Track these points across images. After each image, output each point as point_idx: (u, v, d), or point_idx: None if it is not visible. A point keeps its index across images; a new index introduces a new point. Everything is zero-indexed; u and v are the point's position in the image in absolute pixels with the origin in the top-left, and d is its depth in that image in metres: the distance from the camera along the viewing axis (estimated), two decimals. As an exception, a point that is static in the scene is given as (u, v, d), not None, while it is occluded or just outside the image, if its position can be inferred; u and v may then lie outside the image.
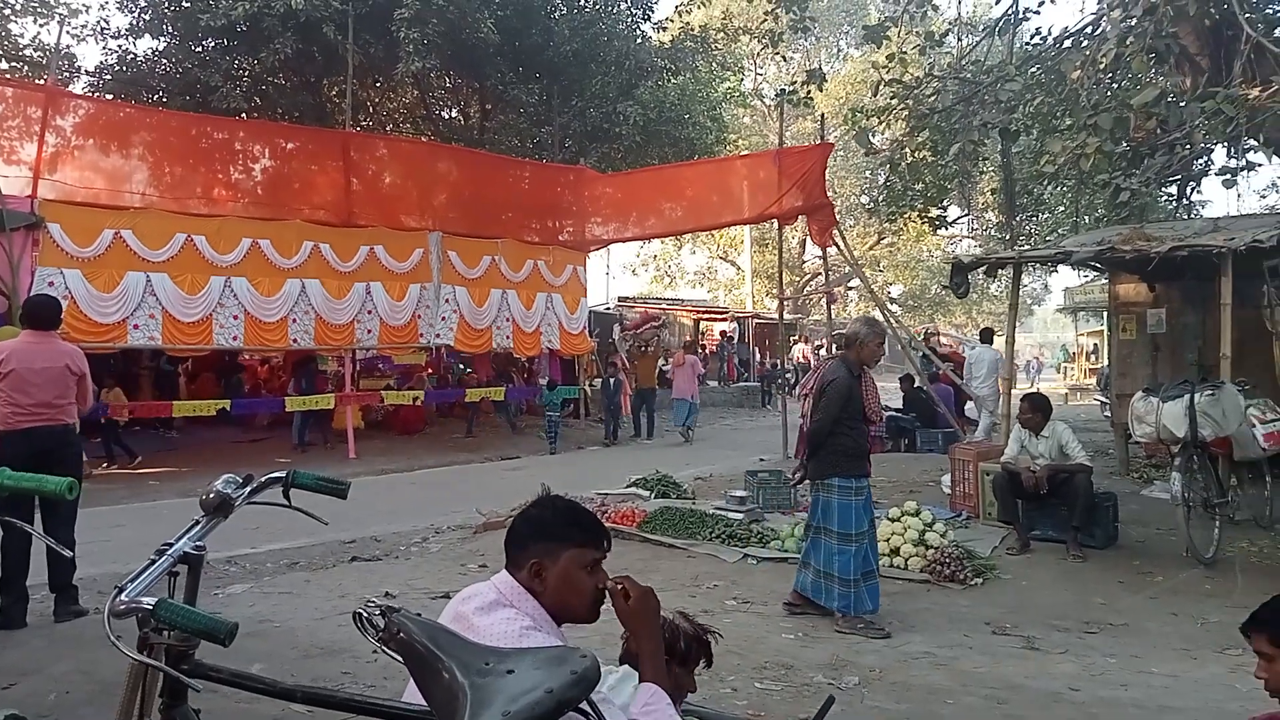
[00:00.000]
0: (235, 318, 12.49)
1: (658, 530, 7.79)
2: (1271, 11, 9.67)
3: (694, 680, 2.42)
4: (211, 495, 1.78)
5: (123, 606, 1.42)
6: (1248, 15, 8.02)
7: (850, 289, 36.66)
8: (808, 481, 5.84)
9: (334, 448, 14.39)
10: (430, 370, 18.67)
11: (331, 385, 15.31)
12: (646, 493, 9.37)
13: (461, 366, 18.80)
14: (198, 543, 1.66)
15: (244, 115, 17.11)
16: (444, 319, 14.54)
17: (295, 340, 13.16)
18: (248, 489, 1.85)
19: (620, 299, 28.45)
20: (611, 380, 16.64)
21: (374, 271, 13.81)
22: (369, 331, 13.83)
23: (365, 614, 1.49)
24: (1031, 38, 10.43)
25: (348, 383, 14.60)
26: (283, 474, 1.91)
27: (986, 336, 13.69)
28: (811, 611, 5.63)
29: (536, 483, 10.04)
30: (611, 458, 14.51)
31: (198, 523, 1.73)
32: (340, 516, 8.54)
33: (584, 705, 1.46)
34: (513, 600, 1.90)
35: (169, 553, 1.59)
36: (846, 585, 5.40)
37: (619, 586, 1.99)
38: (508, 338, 15.58)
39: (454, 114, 21.99)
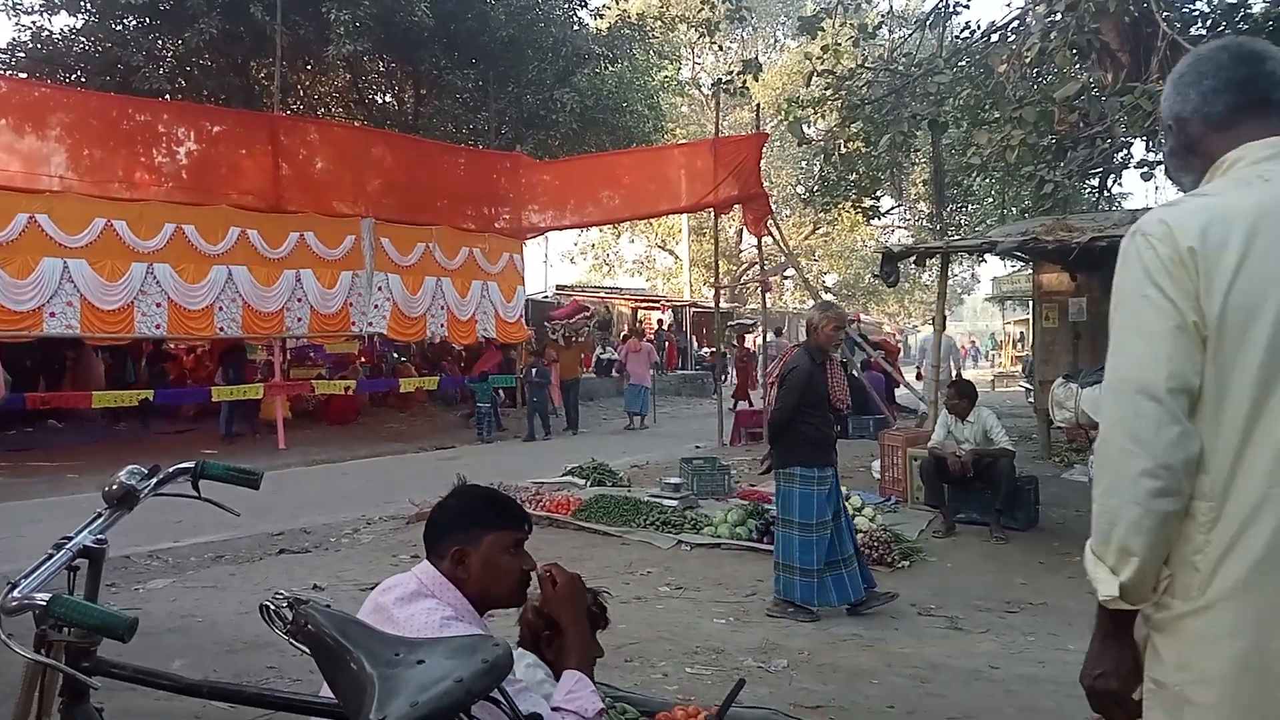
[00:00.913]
0: (158, 305, 12.12)
1: (592, 518, 7.80)
2: (1188, 10, 10.02)
3: (600, 645, 2.42)
4: (114, 487, 1.71)
5: (14, 603, 1.37)
6: (1165, 14, 8.29)
7: (786, 278, 37.07)
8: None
9: (263, 438, 14.09)
10: (364, 359, 18.38)
11: (261, 374, 14.96)
12: (582, 481, 9.36)
13: (395, 355, 18.55)
14: (99, 536, 1.60)
15: (167, 97, 16.57)
16: (377, 307, 14.30)
17: (222, 329, 12.83)
18: (154, 480, 1.79)
19: (558, 287, 28.35)
20: (534, 371, 15.51)
21: (304, 258, 13.52)
22: (299, 320, 13.54)
23: (272, 606, 1.45)
24: (961, 32, 10.65)
25: (277, 372, 14.29)
26: (191, 464, 1.85)
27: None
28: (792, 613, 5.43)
29: (471, 473, 9.97)
30: (547, 447, 14.46)
31: (100, 515, 1.67)
32: (268, 508, 8.44)
33: (495, 694, 1.45)
34: (434, 590, 1.88)
35: (67, 547, 1.53)
36: (809, 575, 5.33)
37: (547, 573, 1.99)
38: (442, 326, 15.40)
39: (387, 99, 21.61)
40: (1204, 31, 9.69)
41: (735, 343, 21.06)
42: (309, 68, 19.54)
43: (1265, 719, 1.43)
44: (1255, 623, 1.43)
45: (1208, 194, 1.56)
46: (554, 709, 1.84)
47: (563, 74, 18.28)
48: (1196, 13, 9.99)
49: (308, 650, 1.42)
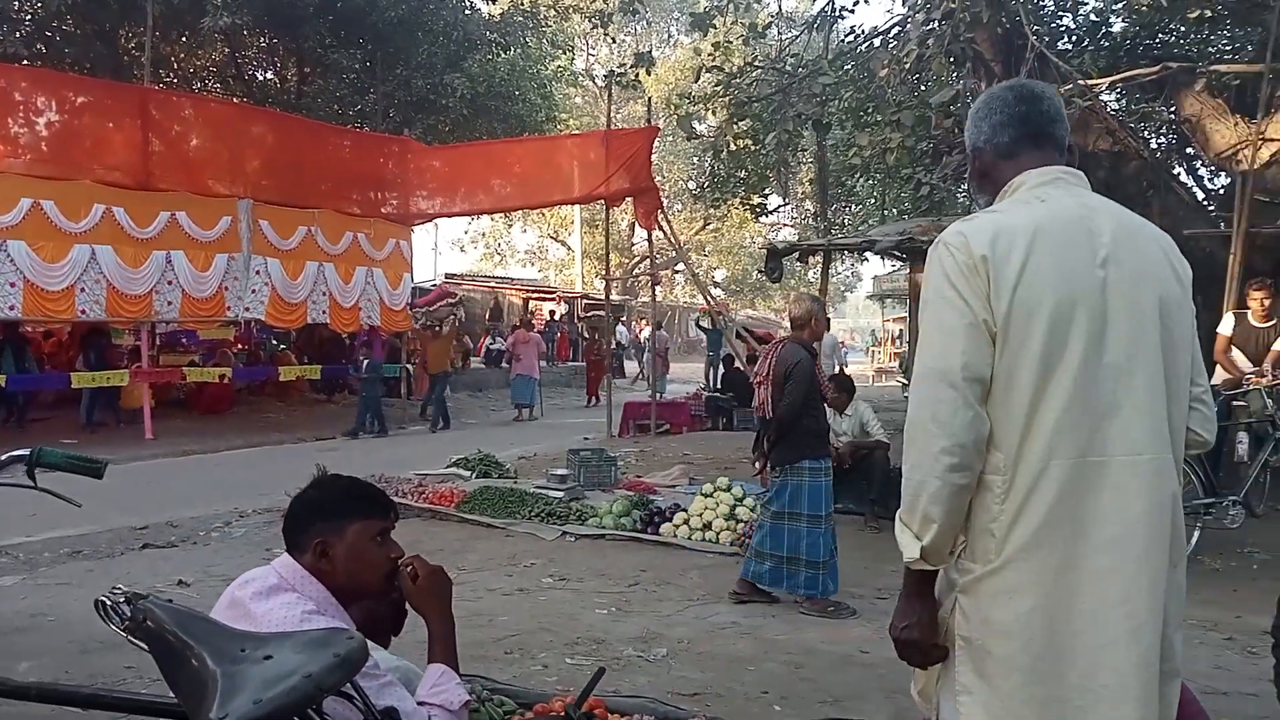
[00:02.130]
0: (12, 285, 11.32)
1: (476, 510, 7.73)
2: (1055, 26, 10.56)
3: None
4: (-64, 476, 1.58)
5: None
6: (1035, 28, 8.71)
7: (677, 272, 37.45)
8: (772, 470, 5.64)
9: (129, 428, 13.38)
10: (240, 346, 17.65)
11: (127, 360, 14.18)
12: (467, 473, 9.27)
13: (274, 342, 17.89)
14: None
15: (25, 63, 15.49)
16: (254, 291, 13.71)
17: (84, 311, 12.07)
18: (-17, 468, 1.67)
19: (448, 275, 27.87)
20: (365, 363, 14.86)
21: (176, 239, 12.85)
22: (169, 303, 12.87)
23: (109, 601, 1.37)
24: (847, 36, 10.94)
25: (144, 358, 13.58)
26: (25, 451, 1.73)
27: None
28: (759, 600, 5.53)
29: (353, 464, 9.72)
30: (434, 438, 14.23)
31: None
32: (132, 501, 8.04)
33: (348, 688, 1.41)
34: (295, 584, 1.82)
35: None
36: (815, 568, 5.35)
37: (408, 567, 1.95)
38: (324, 312, 14.90)
39: (268, 76, 20.74)
40: (1069, 47, 10.25)
41: (585, 336, 20.12)
42: (183, 39, 18.57)
43: (1053, 664, 1.65)
44: (1040, 579, 1.65)
45: (997, 211, 1.83)
46: (419, 703, 1.81)
47: (454, 58, 17.92)
48: (1063, 28, 10.54)
49: (146, 647, 1.34)
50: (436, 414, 15.46)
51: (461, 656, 2.05)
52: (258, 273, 13.75)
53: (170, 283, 12.79)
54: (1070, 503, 1.65)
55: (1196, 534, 6.29)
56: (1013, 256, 1.67)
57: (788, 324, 5.84)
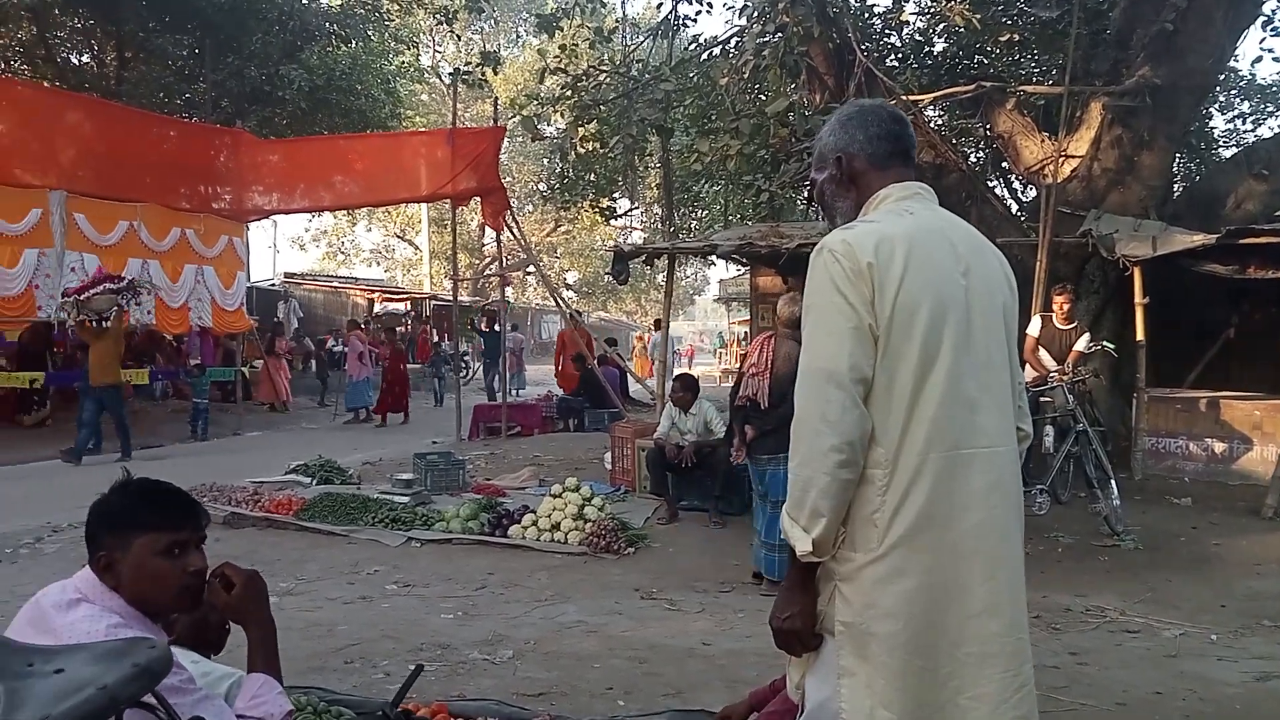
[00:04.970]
0: None
1: (316, 518, 7.47)
2: (883, 43, 11.17)
3: None
4: None
5: None
6: (865, 45, 9.19)
7: (528, 274, 37.26)
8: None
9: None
10: (56, 349, 16.31)
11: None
12: (308, 479, 8.95)
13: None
14: None
15: None
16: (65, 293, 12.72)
17: None
18: None
19: (287, 275, 26.71)
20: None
21: (-23, 233, 11.79)
22: (-31, 302, 11.79)
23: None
24: (690, 44, 11.19)
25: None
26: None
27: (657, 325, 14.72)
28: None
29: (183, 473, 9.17)
30: (271, 443, 13.61)
31: None
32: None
33: (150, 699, 1.35)
34: (91, 596, 1.72)
35: None
36: None
37: (219, 576, 1.87)
38: (149, 312, 13.98)
39: (84, 59, 19.29)
40: (896, 63, 10.86)
41: (384, 338, 17.47)
42: (-16, 16, 17.05)
43: (932, 641, 1.78)
44: (920, 563, 1.77)
45: (873, 221, 1.92)
46: (238, 715, 1.74)
47: (290, 49, 17.20)
48: (889, 46, 11.16)
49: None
50: (122, 437, 11.67)
51: (300, 668, 1.99)
52: (73, 269, 12.73)
53: (-30, 280, 11.71)
54: (944, 491, 1.78)
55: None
56: (894, 263, 1.78)
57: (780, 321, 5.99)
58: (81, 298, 11.49)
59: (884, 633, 1.78)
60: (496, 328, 17.76)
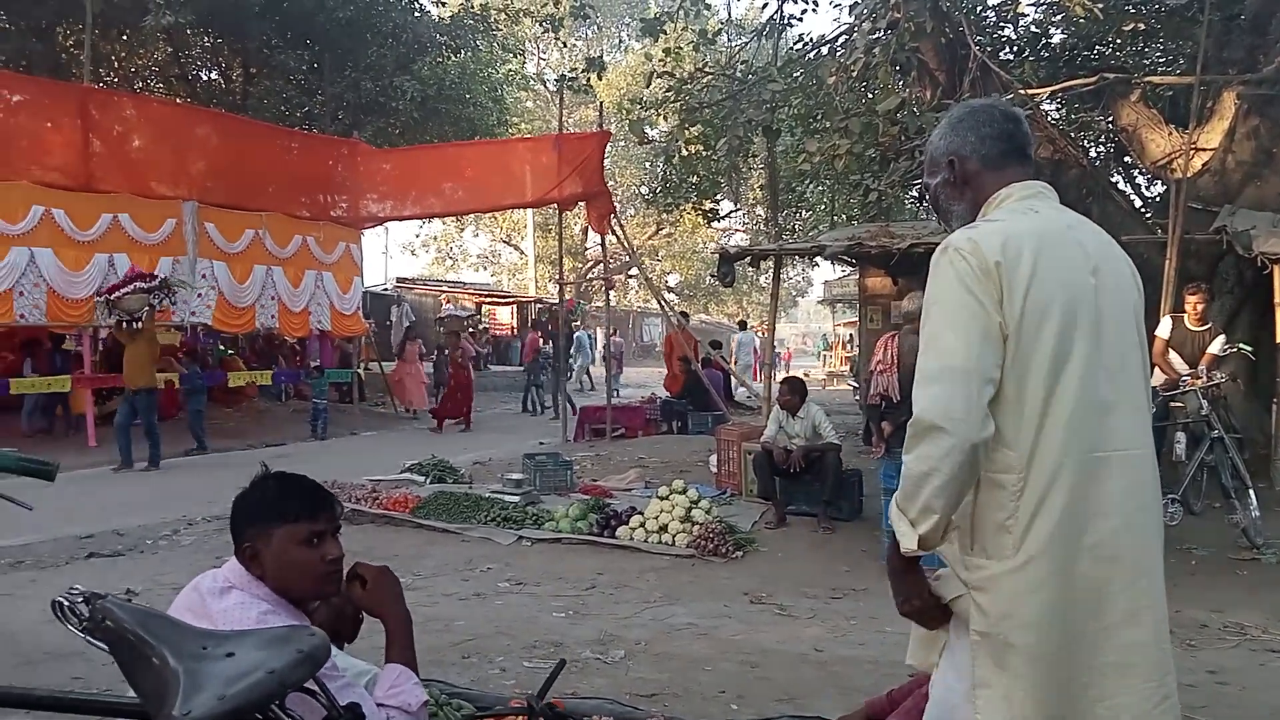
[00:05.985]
0: (-54, 289, 11.01)
1: (431, 515, 7.67)
2: (997, 36, 10.81)
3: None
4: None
5: None
6: (978, 39, 8.92)
7: (630, 277, 37.52)
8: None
9: (72, 435, 13.04)
10: (185, 351, 17.25)
11: (60, 365, 13.78)
12: (422, 478, 9.19)
13: (222, 347, 17.53)
14: None
15: (-43, 60, 15.07)
16: (201, 295, 13.48)
17: (23, 315, 11.74)
18: (-76, 472, 1.61)
19: (399, 280, 27.59)
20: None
21: (118, 242, 12.56)
22: (113, 307, 12.55)
23: (66, 602, 1.36)
24: (796, 43, 11.07)
25: (87, 363, 13.24)
26: (-29, 455, 1.68)
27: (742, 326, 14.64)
28: None
29: (306, 471, 9.57)
30: (385, 444, 14.08)
31: None
32: (76, 509, 7.85)
33: (311, 684, 1.41)
34: (240, 585, 1.82)
35: None
36: None
37: (353, 574, 1.94)
38: (273, 317, 14.67)
39: (213, 76, 20.37)
40: (1011, 57, 10.50)
41: (447, 346, 17.14)
42: (124, 38, 18.16)
43: (1071, 653, 1.73)
44: (1058, 574, 1.72)
45: (997, 220, 1.88)
46: (377, 704, 1.81)
47: (403, 61, 17.78)
48: (1004, 39, 10.80)
49: (106, 648, 1.33)
50: (152, 444, 11.25)
51: (419, 661, 2.05)
52: (204, 276, 13.50)
53: (113, 286, 12.47)
54: (1081, 496, 1.73)
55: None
56: (1022, 263, 1.74)
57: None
58: (113, 297, 11.23)
59: (1023, 644, 1.73)
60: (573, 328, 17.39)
